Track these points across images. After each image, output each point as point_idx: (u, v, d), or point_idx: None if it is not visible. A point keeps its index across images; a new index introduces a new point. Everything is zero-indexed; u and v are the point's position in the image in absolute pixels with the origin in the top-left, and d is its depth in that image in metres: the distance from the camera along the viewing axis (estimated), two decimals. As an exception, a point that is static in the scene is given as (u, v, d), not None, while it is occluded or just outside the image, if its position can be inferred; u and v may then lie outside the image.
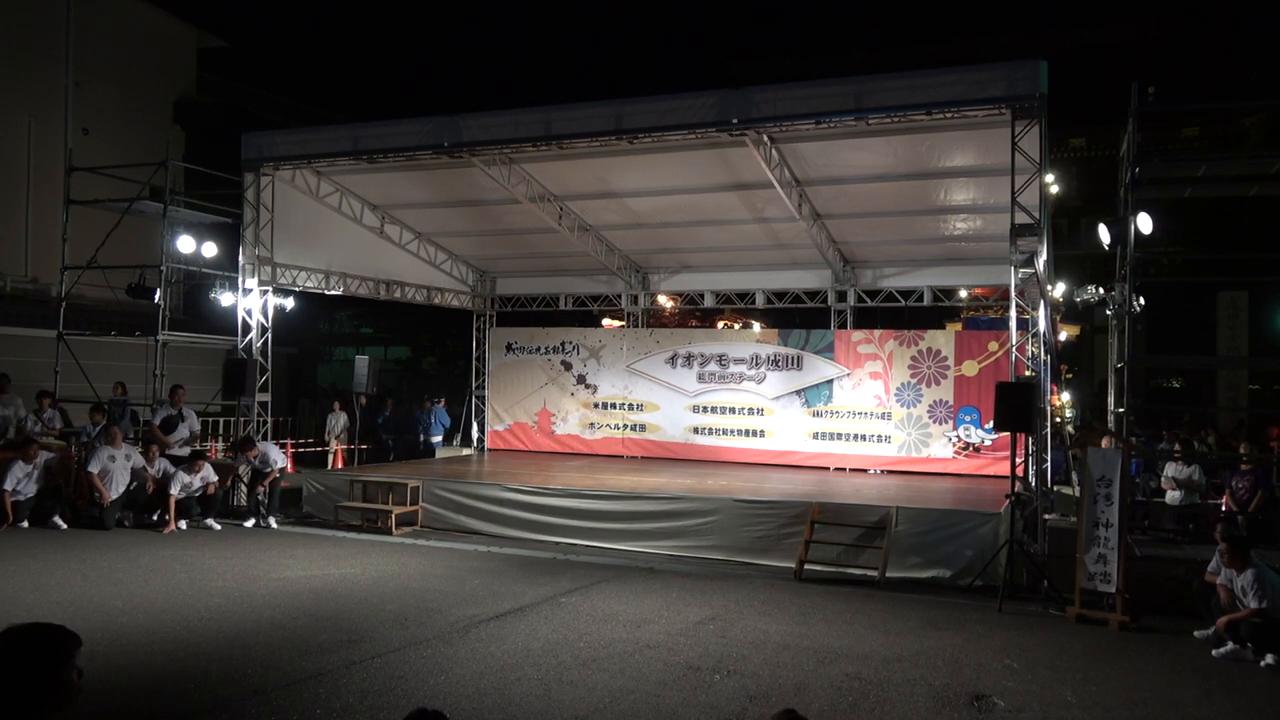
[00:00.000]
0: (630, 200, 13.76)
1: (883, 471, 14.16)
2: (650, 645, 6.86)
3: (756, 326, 20.96)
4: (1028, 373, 10.50)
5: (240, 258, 13.40)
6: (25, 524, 11.26)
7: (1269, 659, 6.85)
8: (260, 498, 12.13)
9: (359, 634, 6.97)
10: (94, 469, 11.47)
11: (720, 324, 23.22)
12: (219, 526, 11.71)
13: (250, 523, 11.96)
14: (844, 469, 14.42)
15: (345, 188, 14.40)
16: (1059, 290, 13.50)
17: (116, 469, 11.60)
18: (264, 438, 13.82)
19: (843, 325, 15.24)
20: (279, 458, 12.58)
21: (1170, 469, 11.69)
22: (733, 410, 15.39)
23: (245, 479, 12.59)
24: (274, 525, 11.95)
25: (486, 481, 12.29)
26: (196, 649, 6.52)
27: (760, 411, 15.19)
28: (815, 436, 14.82)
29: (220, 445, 17.03)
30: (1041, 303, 10.86)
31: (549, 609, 7.93)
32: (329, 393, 23.88)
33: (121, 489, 11.65)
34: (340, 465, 17.68)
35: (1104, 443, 11.10)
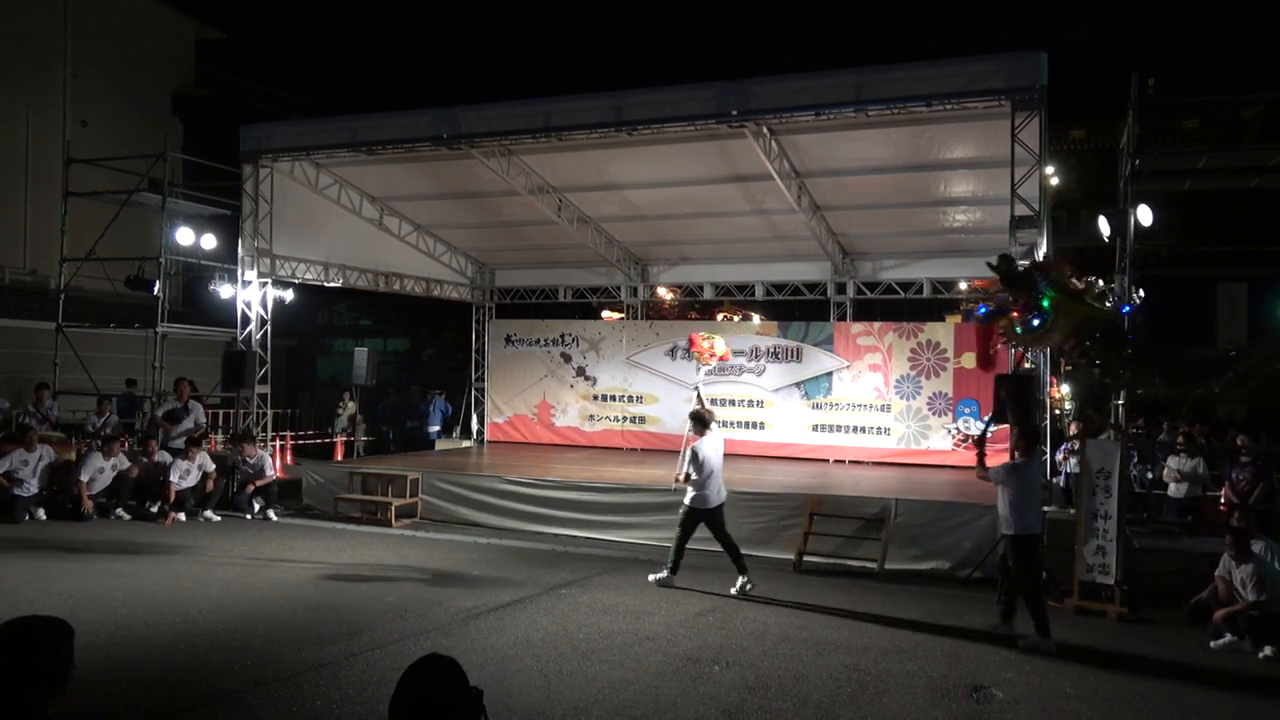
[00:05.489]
0: (629, 192, 13.74)
1: (876, 464, 14.15)
2: (649, 637, 6.87)
3: (756, 319, 20.93)
4: (1027, 365, 10.48)
5: (239, 249, 13.40)
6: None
7: (1267, 651, 6.87)
8: (251, 495, 12.07)
9: (358, 626, 6.97)
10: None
11: (719, 316, 23.17)
12: (218, 518, 11.72)
13: (249, 515, 11.97)
14: (843, 461, 14.44)
15: (344, 179, 14.38)
16: (1058, 283, 13.45)
17: (26, 472, 11.33)
18: (263, 430, 13.82)
19: (842, 317, 15.23)
20: (271, 470, 12.46)
21: (1173, 461, 11.71)
22: (732, 402, 15.38)
23: (238, 479, 12.41)
24: (273, 517, 11.95)
25: (486, 474, 12.30)
26: (196, 641, 6.52)
27: (760, 404, 15.19)
28: (815, 429, 14.82)
29: (220, 438, 17.01)
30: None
31: (548, 600, 7.95)
32: (328, 385, 23.85)
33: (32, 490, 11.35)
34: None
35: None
